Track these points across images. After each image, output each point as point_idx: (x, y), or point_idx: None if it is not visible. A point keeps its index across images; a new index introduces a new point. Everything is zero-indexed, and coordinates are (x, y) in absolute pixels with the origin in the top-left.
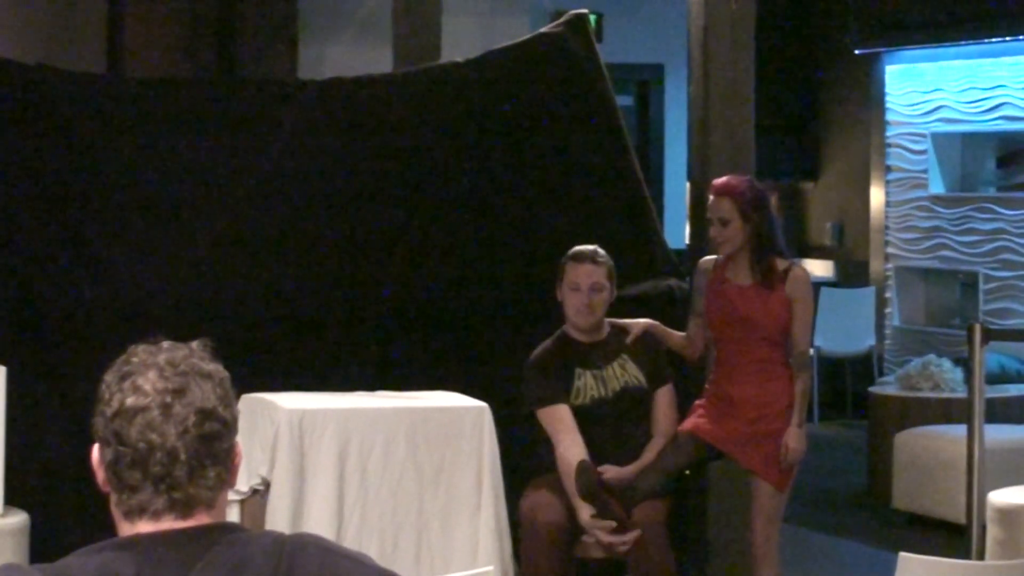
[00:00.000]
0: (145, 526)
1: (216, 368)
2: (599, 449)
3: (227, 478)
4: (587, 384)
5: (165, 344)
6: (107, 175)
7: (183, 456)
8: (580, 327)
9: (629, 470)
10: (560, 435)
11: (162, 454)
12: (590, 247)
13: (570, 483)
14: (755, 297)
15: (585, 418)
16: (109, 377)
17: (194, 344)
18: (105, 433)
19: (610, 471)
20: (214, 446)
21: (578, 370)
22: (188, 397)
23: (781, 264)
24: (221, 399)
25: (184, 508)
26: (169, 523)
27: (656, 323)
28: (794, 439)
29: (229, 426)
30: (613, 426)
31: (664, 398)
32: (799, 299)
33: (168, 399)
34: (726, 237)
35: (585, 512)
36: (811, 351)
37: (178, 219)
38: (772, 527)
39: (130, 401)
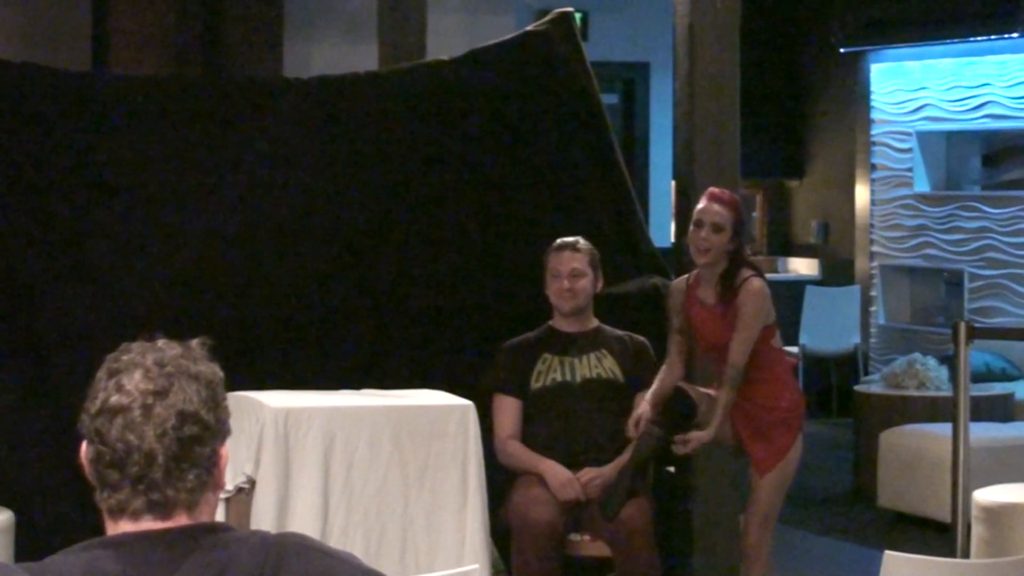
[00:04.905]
0: (126, 525)
1: (207, 369)
2: (565, 435)
3: (208, 481)
4: (551, 367)
5: (160, 342)
6: (93, 174)
7: (160, 458)
8: (563, 312)
9: (608, 469)
10: (500, 425)
11: (139, 455)
12: (572, 238)
13: (504, 456)
14: (718, 318)
15: (545, 401)
16: (100, 373)
17: (194, 343)
18: (88, 430)
19: (588, 473)
20: (193, 449)
21: (545, 355)
22: (170, 399)
23: (742, 275)
24: (205, 402)
25: (162, 509)
26: (148, 523)
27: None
28: (700, 435)
29: (212, 429)
30: (582, 414)
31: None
32: (742, 314)
33: (150, 400)
34: (713, 244)
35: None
36: (738, 364)
37: (164, 218)
38: (766, 530)
39: (113, 400)
